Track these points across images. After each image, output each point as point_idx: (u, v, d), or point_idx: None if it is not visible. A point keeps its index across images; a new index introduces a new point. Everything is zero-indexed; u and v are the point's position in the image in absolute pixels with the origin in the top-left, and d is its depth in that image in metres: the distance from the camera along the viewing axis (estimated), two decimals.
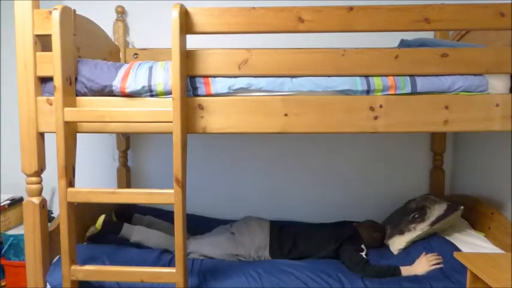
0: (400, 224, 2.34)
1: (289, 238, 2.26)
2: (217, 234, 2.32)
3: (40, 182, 1.84)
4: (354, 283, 1.91)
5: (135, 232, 2.24)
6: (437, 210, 2.24)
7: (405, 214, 2.38)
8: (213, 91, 1.78)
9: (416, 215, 2.30)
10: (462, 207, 2.23)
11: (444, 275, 1.92)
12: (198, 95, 1.79)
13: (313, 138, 2.77)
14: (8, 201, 2.63)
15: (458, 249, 2.05)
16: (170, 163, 1.70)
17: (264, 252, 2.21)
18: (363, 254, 2.12)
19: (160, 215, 2.57)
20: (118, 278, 1.80)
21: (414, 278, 1.93)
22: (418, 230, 2.22)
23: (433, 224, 2.20)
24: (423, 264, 1.99)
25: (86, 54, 1.96)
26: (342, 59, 1.76)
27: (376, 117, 1.78)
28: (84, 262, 1.86)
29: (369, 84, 1.77)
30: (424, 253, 2.06)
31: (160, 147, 2.86)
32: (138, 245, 2.21)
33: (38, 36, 1.77)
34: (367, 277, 1.96)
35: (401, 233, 2.28)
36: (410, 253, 2.18)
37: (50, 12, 1.70)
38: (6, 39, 2.81)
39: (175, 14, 1.65)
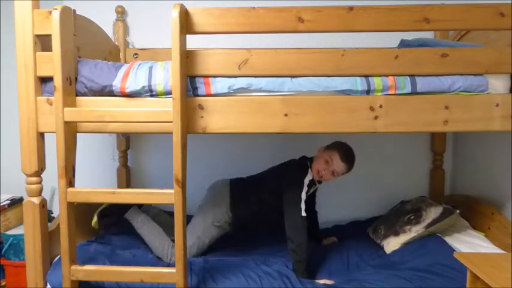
0: (395, 225, 2.34)
1: (245, 188, 2.28)
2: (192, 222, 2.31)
3: (40, 182, 1.84)
4: (352, 283, 1.91)
5: (140, 221, 2.29)
6: (433, 213, 2.24)
7: (400, 215, 2.38)
8: (213, 91, 1.78)
9: (412, 217, 2.30)
10: (458, 211, 2.23)
11: (438, 274, 1.91)
12: (198, 95, 1.79)
13: (313, 138, 2.77)
14: (8, 201, 2.63)
15: (453, 249, 2.05)
16: (170, 163, 1.70)
17: (228, 211, 2.23)
18: (303, 198, 2.09)
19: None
20: (118, 278, 1.80)
21: (412, 277, 1.92)
22: (413, 232, 2.22)
23: (428, 226, 2.20)
24: (321, 282, 1.98)
25: (86, 54, 1.96)
26: (342, 59, 1.76)
27: (376, 117, 1.78)
28: (84, 262, 1.86)
29: (369, 84, 1.77)
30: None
31: (160, 147, 2.87)
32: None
33: (38, 36, 1.77)
34: (293, 256, 2.02)
35: (396, 234, 2.28)
36: (404, 252, 2.17)
37: (50, 12, 1.70)
38: (6, 39, 2.81)
39: (175, 14, 1.65)
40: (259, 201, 2.24)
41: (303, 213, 2.06)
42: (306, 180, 2.15)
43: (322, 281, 1.96)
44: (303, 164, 2.22)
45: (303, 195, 2.09)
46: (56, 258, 1.92)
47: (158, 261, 2.08)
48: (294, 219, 2.07)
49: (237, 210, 2.24)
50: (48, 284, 1.85)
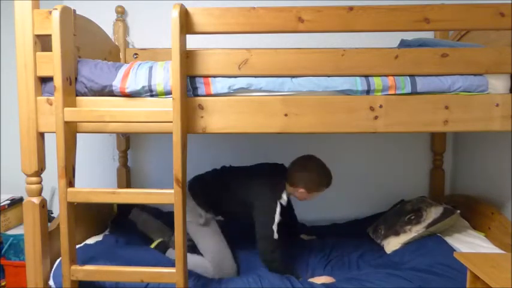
0: (395, 225, 2.34)
1: (207, 182, 2.20)
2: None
3: (40, 182, 1.84)
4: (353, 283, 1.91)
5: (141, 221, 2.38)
6: (434, 213, 2.25)
7: (401, 215, 2.38)
8: (213, 91, 1.78)
9: (412, 217, 2.30)
10: (458, 211, 2.23)
11: (439, 274, 1.91)
12: (198, 95, 1.79)
13: (313, 139, 2.77)
14: (8, 201, 2.63)
15: (453, 249, 2.06)
16: (170, 163, 1.70)
17: (196, 208, 2.14)
18: (275, 219, 2.00)
19: (158, 215, 2.61)
20: (118, 278, 1.80)
21: (413, 276, 1.92)
22: (414, 232, 2.23)
23: (428, 226, 2.21)
24: (321, 280, 1.97)
25: (86, 54, 1.96)
26: (342, 59, 1.76)
27: (376, 117, 1.78)
28: (84, 262, 1.86)
29: (369, 84, 1.77)
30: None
31: (160, 147, 2.87)
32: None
33: (38, 36, 1.76)
34: (267, 266, 1.98)
35: (397, 234, 2.28)
36: (405, 252, 2.17)
37: (50, 12, 1.69)
38: (6, 39, 2.81)
39: (175, 14, 1.65)
40: (224, 190, 2.18)
41: (275, 235, 1.99)
42: (279, 205, 2.05)
43: (322, 278, 1.96)
44: (278, 184, 2.11)
45: (277, 217, 2.01)
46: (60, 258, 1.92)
47: (158, 261, 2.07)
48: (266, 241, 2.00)
49: (203, 201, 2.16)
50: (53, 284, 1.85)
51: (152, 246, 2.26)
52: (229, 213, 2.22)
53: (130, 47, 2.79)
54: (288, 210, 2.25)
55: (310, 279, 1.98)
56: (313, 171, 2.12)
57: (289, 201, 2.30)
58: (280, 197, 2.07)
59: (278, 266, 1.99)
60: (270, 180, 2.12)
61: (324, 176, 2.14)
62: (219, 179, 2.24)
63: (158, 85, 1.76)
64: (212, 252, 2.10)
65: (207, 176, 2.28)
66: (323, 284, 1.92)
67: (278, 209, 2.03)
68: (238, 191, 2.15)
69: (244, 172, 2.24)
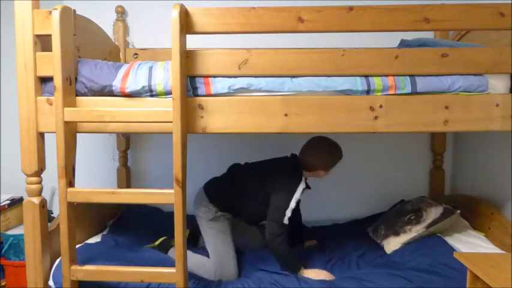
0: (395, 225, 2.34)
1: (221, 183, 2.21)
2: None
3: (40, 182, 1.84)
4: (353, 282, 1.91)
5: None
6: (434, 213, 2.25)
7: (401, 215, 2.38)
8: (213, 91, 1.78)
9: (412, 217, 2.30)
10: (458, 211, 2.23)
11: (439, 274, 1.91)
12: (198, 95, 1.79)
13: None
14: (8, 201, 2.63)
15: (453, 249, 2.06)
16: (170, 163, 1.70)
17: (209, 205, 2.16)
18: (291, 206, 2.02)
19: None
20: (118, 278, 1.80)
21: (413, 276, 1.92)
22: (414, 232, 2.22)
23: (428, 226, 2.21)
24: (321, 275, 1.99)
25: (86, 54, 1.97)
26: (342, 59, 1.76)
27: (376, 117, 1.78)
28: (84, 262, 1.86)
29: (369, 84, 1.77)
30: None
31: (160, 147, 2.87)
32: None
33: (38, 36, 1.77)
34: (271, 251, 2.01)
35: (397, 234, 2.28)
36: (405, 252, 2.17)
37: (50, 12, 1.70)
38: (6, 39, 2.81)
39: (175, 14, 1.65)
40: (242, 190, 2.18)
41: (286, 221, 2.01)
42: (300, 189, 2.08)
43: (322, 274, 1.96)
44: (296, 171, 2.15)
45: (293, 203, 2.03)
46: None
47: (158, 261, 2.07)
48: (275, 224, 2.01)
49: (218, 200, 2.18)
50: (53, 284, 1.85)
51: (156, 243, 2.27)
52: (245, 212, 2.20)
53: (131, 47, 2.79)
54: (295, 218, 2.24)
55: (306, 271, 1.99)
56: (326, 152, 2.20)
57: (297, 207, 2.32)
58: (299, 184, 2.09)
59: (282, 250, 2.00)
60: (290, 170, 2.15)
61: (335, 152, 2.22)
62: (232, 177, 2.26)
63: (158, 85, 1.76)
64: (216, 254, 2.09)
65: (221, 178, 2.30)
66: (322, 282, 1.92)
67: (299, 193, 2.06)
68: (256, 184, 2.15)
69: (260, 166, 2.26)
